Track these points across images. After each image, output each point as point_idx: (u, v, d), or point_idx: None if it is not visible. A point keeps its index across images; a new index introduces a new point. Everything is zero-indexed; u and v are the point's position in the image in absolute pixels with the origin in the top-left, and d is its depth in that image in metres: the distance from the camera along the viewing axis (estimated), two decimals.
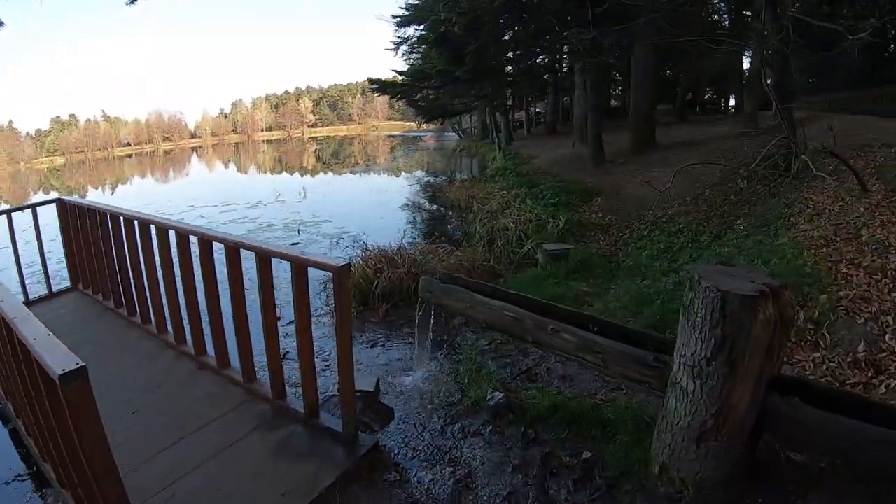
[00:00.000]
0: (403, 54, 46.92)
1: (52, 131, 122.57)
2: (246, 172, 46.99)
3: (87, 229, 6.46)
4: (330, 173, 36.21)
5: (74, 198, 7.29)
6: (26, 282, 7.12)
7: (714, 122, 25.47)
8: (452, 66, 21.75)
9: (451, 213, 17.20)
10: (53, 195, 8.24)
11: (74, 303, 6.93)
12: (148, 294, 5.57)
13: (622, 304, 6.67)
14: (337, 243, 13.42)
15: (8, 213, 7.03)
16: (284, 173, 41.52)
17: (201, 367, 4.89)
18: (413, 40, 27.95)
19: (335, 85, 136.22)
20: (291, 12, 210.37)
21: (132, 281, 5.77)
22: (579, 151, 21.56)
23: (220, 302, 4.64)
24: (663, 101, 31.51)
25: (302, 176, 37.76)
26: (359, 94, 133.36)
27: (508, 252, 10.76)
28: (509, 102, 35.39)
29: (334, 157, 55.32)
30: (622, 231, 11.93)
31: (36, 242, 7.20)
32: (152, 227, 4.97)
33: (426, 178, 29.34)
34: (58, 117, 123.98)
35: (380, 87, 29.25)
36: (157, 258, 5.05)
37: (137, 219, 5.26)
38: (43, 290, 7.38)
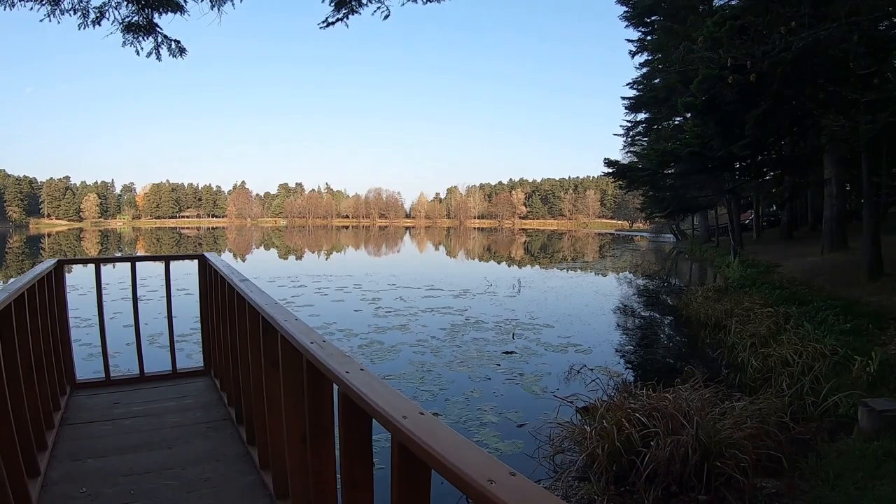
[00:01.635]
0: (624, 146, 43.85)
1: (278, 195, 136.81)
2: (455, 257, 45.67)
3: (224, 300, 4.31)
4: (544, 268, 32.80)
5: (222, 258, 5.02)
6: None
7: None
8: (722, 139, 17.45)
9: (700, 332, 12.56)
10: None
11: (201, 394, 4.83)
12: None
13: None
14: (577, 373, 9.41)
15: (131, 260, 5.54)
16: (492, 262, 39.14)
17: None
18: (644, 123, 23.99)
19: (548, 179, 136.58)
20: (515, 106, 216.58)
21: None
22: (835, 260, 17.43)
23: None
24: None
25: (510, 266, 35.02)
26: (571, 190, 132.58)
27: (797, 400, 7.56)
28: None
29: (543, 251, 52.32)
30: None
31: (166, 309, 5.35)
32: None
33: (649, 283, 24.73)
34: (285, 184, 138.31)
35: (617, 170, 25.63)
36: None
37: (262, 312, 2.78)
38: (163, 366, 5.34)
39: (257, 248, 50.83)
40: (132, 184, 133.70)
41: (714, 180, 22.82)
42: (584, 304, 17.89)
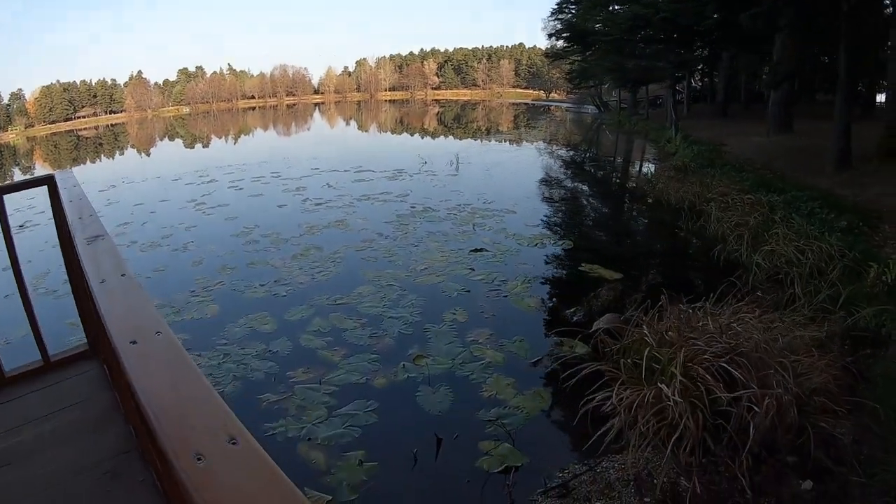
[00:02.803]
0: (552, 14, 40.74)
1: (178, 82, 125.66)
2: (368, 131, 42.53)
3: None
4: (478, 141, 30.38)
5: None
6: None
7: None
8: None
9: (676, 219, 10.83)
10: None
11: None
12: None
13: None
14: (575, 281, 7.51)
15: None
16: (418, 136, 36.25)
17: None
18: None
19: (460, 48, 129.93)
20: None
21: None
22: (783, 143, 16.83)
23: None
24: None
25: (435, 139, 32.62)
26: (485, 59, 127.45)
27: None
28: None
29: (457, 121, 50.23)
30: None
31: None
32: None
33: (595, 159, 23.12)
34: (185, 69, 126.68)
35: (573, 34, 23.10)
36: None
37: None
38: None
39: (161, 140, 45.32)
40: (20, 90, 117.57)
41: (675, 52, 20.97)
42: (538, 184, 15.99)
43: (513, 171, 18.58)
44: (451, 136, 33.07)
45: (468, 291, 7.43)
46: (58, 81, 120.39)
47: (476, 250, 9.13)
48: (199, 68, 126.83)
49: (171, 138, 46.18)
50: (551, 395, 4.98)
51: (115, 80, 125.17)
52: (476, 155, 22.32)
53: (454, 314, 6.66)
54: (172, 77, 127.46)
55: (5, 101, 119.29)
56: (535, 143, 28.08)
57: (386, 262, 8.68)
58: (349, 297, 7.21)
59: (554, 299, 7.38)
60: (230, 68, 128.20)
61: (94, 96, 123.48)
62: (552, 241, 9.79)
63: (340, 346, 5.99)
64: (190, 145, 38.13)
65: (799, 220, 8.78)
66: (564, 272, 8.56)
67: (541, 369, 5.45)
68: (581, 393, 4.42)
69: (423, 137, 33.66)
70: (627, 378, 4.43)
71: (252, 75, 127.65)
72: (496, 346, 5.88)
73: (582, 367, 4.70)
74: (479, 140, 30.78)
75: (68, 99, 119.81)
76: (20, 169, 45.17)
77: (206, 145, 37.47)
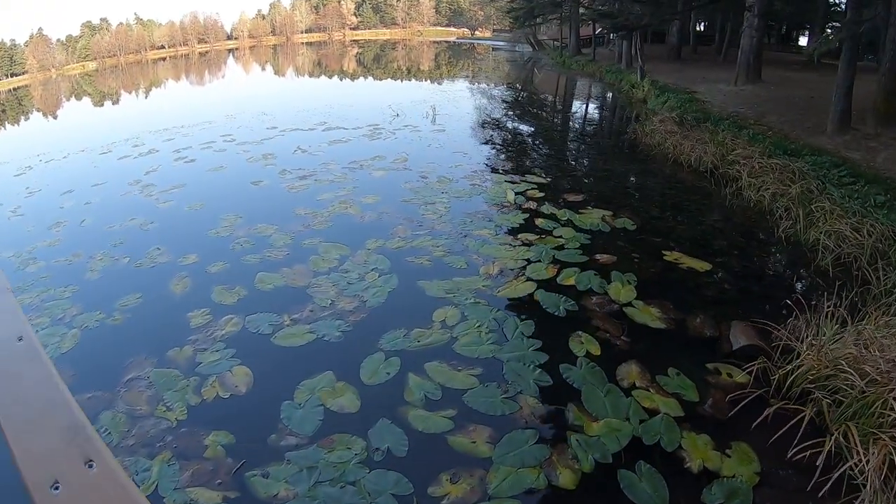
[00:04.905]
0: None
1: (82, 36, 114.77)
2: (298, 77, 39.13)
3: None
4: (442, 83, 27.64)
5: None
6: None
7: None
8: None
9: (707, 184, 9.62)
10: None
11: None
12: None
13: None
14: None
15: None
16: (370, 78, 33.00)
17: None
18: None
19: None
20: None
21: None
22: (756, 93, 16.06)
23: None
24: None
25: (391, 82, 29.53)
26: None
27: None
28: None
29: (376, 62, 48.22)
30: None
31: None
32: None
33: (593, 107, 21.14)
34: (88, 21, 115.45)
35: None
36: None
37: None
38: None
39: (69, 101, 39.40)
40: None
41: None
42: (542, 135, 13.82)
43: (500, 119, 16.24)
44: (438, 82, 30.03)
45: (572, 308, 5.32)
46: None
47: (538, 238, 7.03)
48: (104, 20, 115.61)
49: (79, 98, 40.91)
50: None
51: (14, 39, 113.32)
52: (444, 104, 19.73)
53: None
54: (76, 32, 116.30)
55: None
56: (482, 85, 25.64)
57: (445, 267, 6.36)
58: (430, 336, 4.93)
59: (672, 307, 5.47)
60: (137, 18, 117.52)
61: None
62: (622, 223, 7.77)
63: None
64: (105, 106, 33.22)
65: (835, 192, 7.96)
66: (654, 262, 6.57)
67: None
68: (781, 443, 3.67)
69: (365, 81, 30.49)
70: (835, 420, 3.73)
71: (160, 24, 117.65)
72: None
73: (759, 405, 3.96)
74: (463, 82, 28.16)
75: None
76: None
77: (119, 104, 32.76)
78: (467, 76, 32.94)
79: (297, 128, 15.42)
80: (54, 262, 7.06)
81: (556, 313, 5.37)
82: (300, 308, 5.53)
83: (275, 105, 21.03)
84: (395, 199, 8.76)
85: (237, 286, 6.04)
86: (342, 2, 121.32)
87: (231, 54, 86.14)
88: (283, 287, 6.04)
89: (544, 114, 19.47)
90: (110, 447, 1.77)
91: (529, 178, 9.88)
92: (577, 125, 17.45)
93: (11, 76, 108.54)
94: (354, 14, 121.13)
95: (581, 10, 31.32)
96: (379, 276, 6.15)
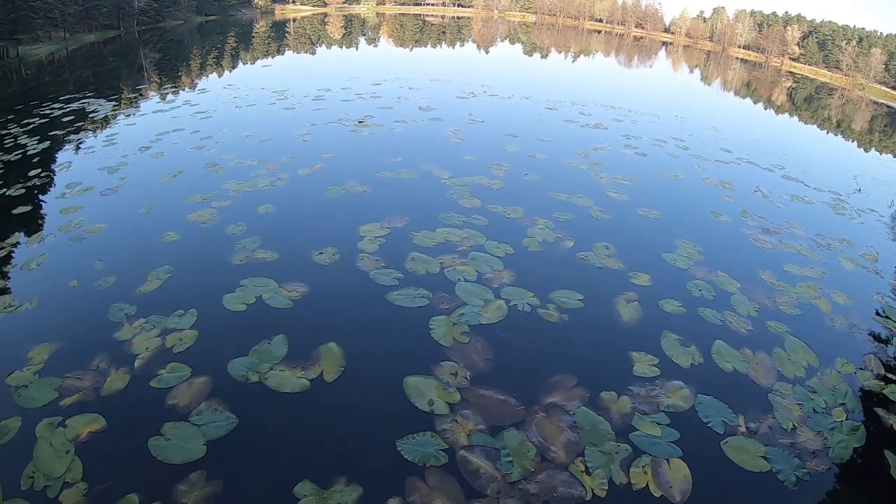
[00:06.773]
0: None
1: None
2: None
3: None
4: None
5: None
6: None
7: None
8: None
9: None
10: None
11: None
12: None
13: None
14: None
15: None
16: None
17: None
18: None
19: (829, 22, 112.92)
20: None
21: None
22: None
23: None
24: None
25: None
26: (854, 42, 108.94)
27: None
28: None
29: (808, 106, 45.28)
30: None
31: None
32: None
33: None
34: None
35: None
36: None
37: None
38: None
39: (501, 41, 46.36)
40: None
41: None
42: None
43: None
44: None
45: None
46: None
47: None
48: None
49: (513, 42, 47.17)
50: None
51: None
52: None
53: None
54: None
55: None
56: None
57: None
58: None
59: None
60: None
61: None
62: None
63: None
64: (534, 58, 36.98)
65: None
66: None
67: None
68: None
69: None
70: None
71: None
72: None
73: None
74: None
75: None
76: (366, 39, 50.51)
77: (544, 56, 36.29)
78: None
79: (752, 161, 16.84)
80: None
81: None
82: None
83: (723, 123, 22.31)
84: None
85: None
86: (788, 27, 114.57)
87: (664, 48, 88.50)
88: None
89: None
90: None
91: None
92: None
93: (458, 6, 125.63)
94: (798, 44, 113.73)
95: None
96: None
